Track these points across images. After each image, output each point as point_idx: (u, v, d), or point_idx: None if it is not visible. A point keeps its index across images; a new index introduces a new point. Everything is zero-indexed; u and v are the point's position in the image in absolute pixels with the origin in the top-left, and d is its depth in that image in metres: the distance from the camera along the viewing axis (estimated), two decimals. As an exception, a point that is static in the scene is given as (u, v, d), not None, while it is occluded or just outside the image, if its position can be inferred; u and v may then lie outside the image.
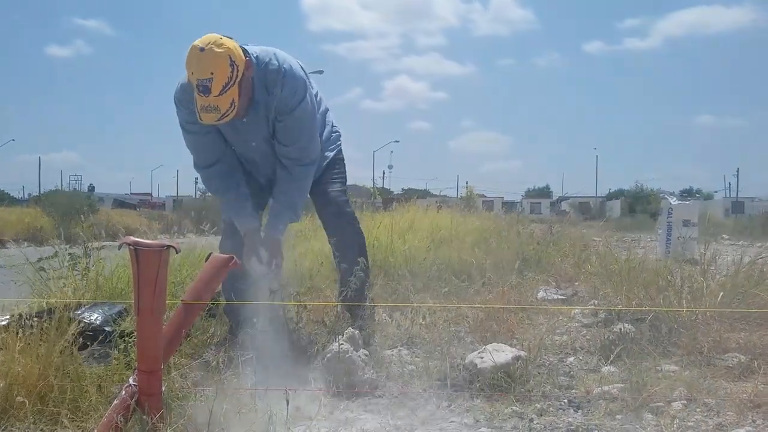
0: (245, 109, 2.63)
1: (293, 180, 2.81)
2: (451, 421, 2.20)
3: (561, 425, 2.15)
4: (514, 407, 2.30)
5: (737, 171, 58.66)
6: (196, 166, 2.88)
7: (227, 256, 2.18)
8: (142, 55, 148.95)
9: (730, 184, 58.13)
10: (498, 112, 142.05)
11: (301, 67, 2.78)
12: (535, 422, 2.17)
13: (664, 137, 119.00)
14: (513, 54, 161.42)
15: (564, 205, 48.80)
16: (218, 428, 1.94)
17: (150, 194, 60.25)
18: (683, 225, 8.05)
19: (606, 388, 2.44)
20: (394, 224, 6.42)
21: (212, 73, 2.41)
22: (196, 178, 64.30)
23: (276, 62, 2.66)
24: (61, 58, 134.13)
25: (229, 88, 2.45)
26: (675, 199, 8.94)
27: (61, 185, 43.23)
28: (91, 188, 47.89)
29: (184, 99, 2.66)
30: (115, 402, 1.97)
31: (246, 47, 2.63)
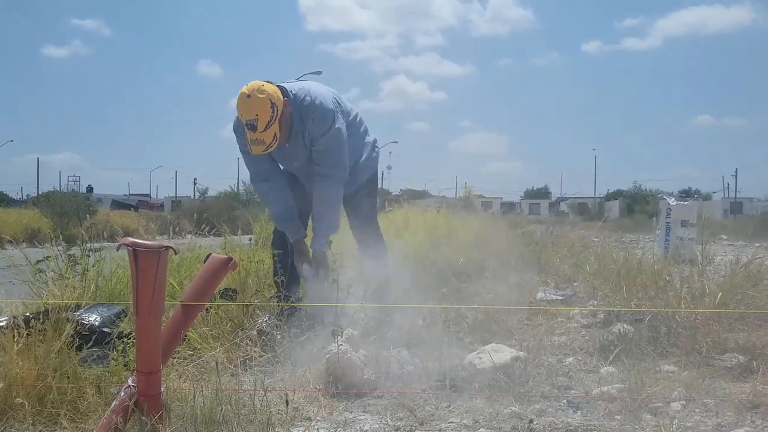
0: (287, 137, 3.19)
1: (325, 204, 3.31)
2: (451, 422, 2.20)
3: (560, 426, 2.15)
4: (513, 408, 2.30)
5: (736, 171, 58.83)
6: (253, 181, 3.49)
7: (225, 257, 2.18)
8: (140, 56, 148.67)
9: (728, 185, 58.14)
10: (497, 113, 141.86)
11: (336, 99, 3.31)
12: (534, 423, 2.17)
13: (662, 137, 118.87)
14: (511, 54, 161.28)
15: (563, 206, 48.83)
16: (217, 429, 1.94)
17: (148, 195, 60.10)
18: (681, 225, 8.06)
19: (605, 388, 2.44)
20: (390, 224, 6.41)
21: (257, 115, 2.99)
22: (195, 179, 64.52)
23: (309, 98, 3.19)
24: (58, 59, 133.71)
25: (272, 125, 3.02)
26: (673, 199, 8.94)
27: (60, 186, 43.13)
28: (90, 189, 47.69)
29: (239, 129, 3.24)
30: (114, 403, 1.97)
31: (285, 86, 3.17)
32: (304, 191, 3.50)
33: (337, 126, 3.23)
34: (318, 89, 3.27)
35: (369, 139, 3.60)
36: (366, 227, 3.59)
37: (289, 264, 3.33)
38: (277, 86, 3.13)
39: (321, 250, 3.31)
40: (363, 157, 3.53)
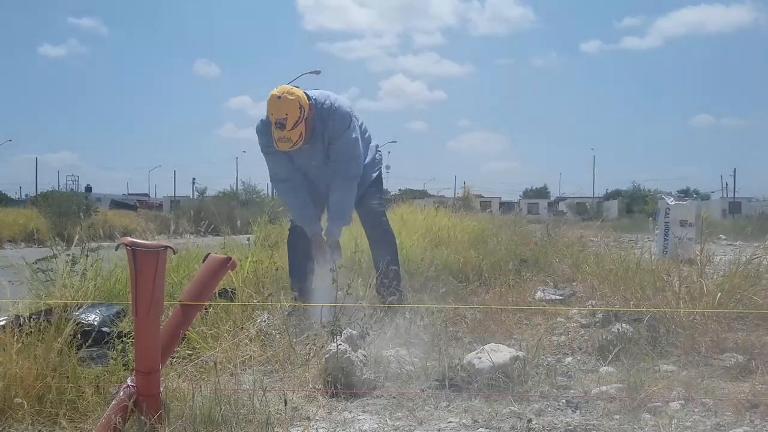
0: (309, 138, 3.48)
1: (341, 196, 3.65)
2: (450, 422, 2.20)
3: (559, 425, 2.15)
4: (512, 407, 2.30)
5: (734, 171, 58.85)
6: (272, 180, 3.80)
7: (224, 256, 2.19)
8: (137, 55, 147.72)
9: (727, 185, 58.27)
10: (496, 112, 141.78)
11: (350, 107, 3.65)
12: (533, 422, 2.17)
13: (661, 137, 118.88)
14: (511, 53, 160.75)
15: (562, 206, 48.90)
16: (216, 429, 1.94)
17: (147, 195, 60.12)
18: (680, 225, 8.05)
19: (604, 388, 2.44)
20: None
21: (286, 114, 3.31)
22: (194, 179, 64.49)
23: (329, 102, 3.54)
24: (55, 58, 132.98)
25: (298, 124, 3.34)
26: (672, 199, 8.93)
27: (58, 186, 43.16)
28: (89, 189, 47.57)
29: (264, 130, 3.56)
30: (113, 403, 1.97)
31: (308, 92, 3.51)
32: (317, 191, 3.80)
33: (353, 127, 3.59)
34: (336, 96, 3.61)
35: (372, 143, 3.96)
36: (376, 221, 3.90)
37: (298, 260, 3.71)
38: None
39: (335, 239, 3.64)
40: (368, 159, 3.89)
